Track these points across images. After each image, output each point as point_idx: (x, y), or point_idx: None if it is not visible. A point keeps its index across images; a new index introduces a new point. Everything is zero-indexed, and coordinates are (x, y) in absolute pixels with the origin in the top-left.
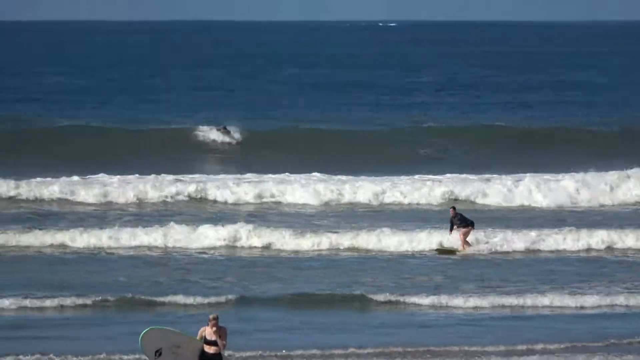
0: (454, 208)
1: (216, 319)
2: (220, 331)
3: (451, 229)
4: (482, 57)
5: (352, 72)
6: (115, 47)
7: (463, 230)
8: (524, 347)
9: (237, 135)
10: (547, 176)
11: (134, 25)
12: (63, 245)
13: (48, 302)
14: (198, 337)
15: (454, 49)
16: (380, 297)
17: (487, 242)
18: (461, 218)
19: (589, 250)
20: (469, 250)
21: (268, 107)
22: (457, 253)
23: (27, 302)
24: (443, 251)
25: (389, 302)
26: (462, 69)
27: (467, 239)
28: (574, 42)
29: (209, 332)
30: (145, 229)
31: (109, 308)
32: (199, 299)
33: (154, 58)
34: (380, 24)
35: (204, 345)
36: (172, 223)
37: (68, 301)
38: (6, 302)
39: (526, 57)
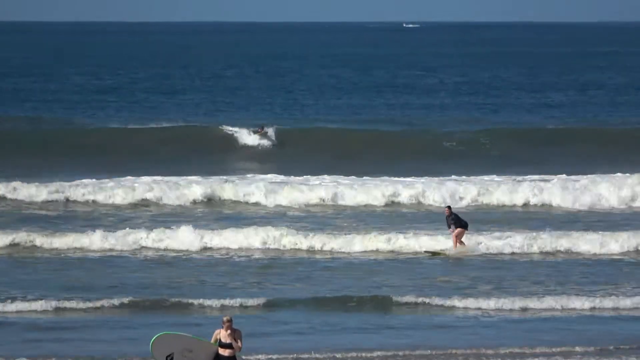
0: (449, 207)
1: (230, 321)
2: (235, 334)
3: (449, 226)
4: (503, 58)
5: (378, 72)
6: (125, 48)
7: (457, 231)
8: (550, 349)
9: (273, 135)
10: (573, 177)
11: (134, 27)
12: (87, 248)
13: (71, 304)
14: (212, 340)
15: (475, 49)
16: (405, 299)
17: (480, 243)
18: (455, 218)
19: (610, 252)
20: (462, 251)
21: (293, 108)
22: (449, 254)
23: (51, 305)
24: (434, 253)
25: (415, 304)
26: (483, 70)
27: (462, 240)
28: (593, 43)
29: (223, 334)
30: (166, 231)
31: (134, 310)
32: (222, 301)
33: (165, 59)
34: (405, 25)
35: (219, 348)
36: (188, 226)
37: (91, 304)
38: (30, 305)
39: (547, 57)
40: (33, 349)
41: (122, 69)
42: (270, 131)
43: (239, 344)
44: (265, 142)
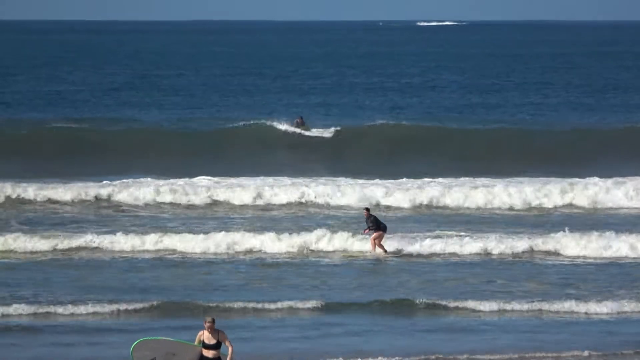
0: (367, 209)
1: (212, 322)
2: (219, 335)
3: (367, 228)
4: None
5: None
6: (131, 47)
7: (375, 234)
8: (573, 353)
9: (330, 134)
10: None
11: (137, 26)
12: (131, 250)
13: (95, 308)
14: (196, 342)
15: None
16: (423, 302)
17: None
18: (374, 221)
19: (611, 255)
20: (381, 255)
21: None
22: (367, 256)
23: (60, 309)
24: (350, 256)
25: (432, 306)
26: (508, 70)
27: (382, 243)
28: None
29: (207, 336)
30: (199, 235)
31: (149, 313)
32: (228, 305)
33: (173, 57)
34: (417, 24)
35: (203, 349)
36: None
37: (107, 307)
38: (32, 309)
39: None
40: (60, 354)
41: (129, 67)
42: (331, 130)
43: (229, 347)
44: (307, 133)
